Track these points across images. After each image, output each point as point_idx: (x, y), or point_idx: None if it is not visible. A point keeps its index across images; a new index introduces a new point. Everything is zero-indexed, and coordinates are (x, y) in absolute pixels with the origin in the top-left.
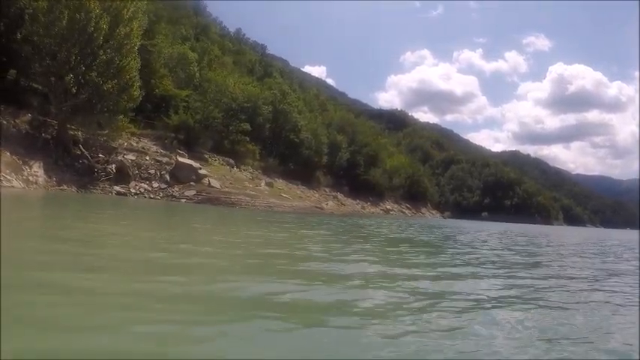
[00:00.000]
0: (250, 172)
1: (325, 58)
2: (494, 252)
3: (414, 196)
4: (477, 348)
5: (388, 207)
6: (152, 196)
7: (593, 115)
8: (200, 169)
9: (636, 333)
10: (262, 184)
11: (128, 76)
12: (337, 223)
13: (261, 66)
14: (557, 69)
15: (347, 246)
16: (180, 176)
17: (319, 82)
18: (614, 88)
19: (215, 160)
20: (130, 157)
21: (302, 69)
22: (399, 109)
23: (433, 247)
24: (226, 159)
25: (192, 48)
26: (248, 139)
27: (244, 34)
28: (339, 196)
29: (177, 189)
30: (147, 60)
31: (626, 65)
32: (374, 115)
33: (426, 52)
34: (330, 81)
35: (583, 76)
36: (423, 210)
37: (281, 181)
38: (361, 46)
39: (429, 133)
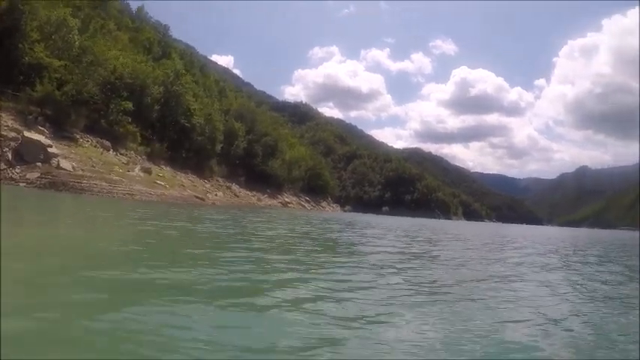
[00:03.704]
0: (128, 157)
1: (234, 48)
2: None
3: (313, 189)
4: None
5: (287, 199)
6: None
7: (492, 118)
8: (50, 147)
9: None
10: (136, 169)
11: None
12: (151, 214)
13: (160, 47)
14: (460, 72)
15: None
16: (26, 155)
17: (226, 72)
18: (514, 94)
19: (87, 142)
20: None
21: (209, 57)
22: (304, 102)
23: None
24: (102, 141)
25: (74, 15)
26: (130, 119)
27: (147, 13)
28: (234, 186)
29: (18, 170)
30: (16, 21)
31: (526, 73)
32: (278, 107)
33: (334, 49)
34: (237, 71)
35: (485, 80)
36: (324, 203)
37: (168, 168)
38: (271, 39)
39: (333, 128)
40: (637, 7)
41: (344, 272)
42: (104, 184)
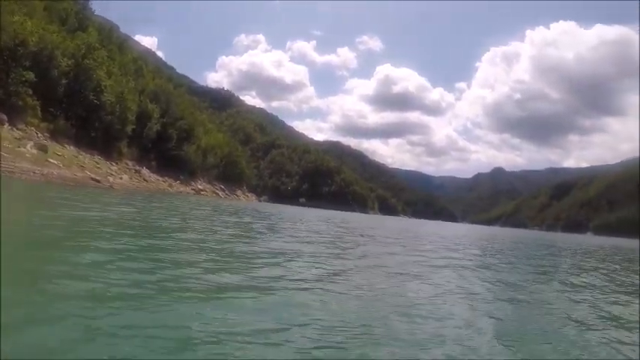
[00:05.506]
0: (24, 132)
1: (158, 29)
2: None
3: (229, 177)
4: None
5: (200, 187)
6: None
7: (413, 116)
8: None
9: None
10: (28, 146)
11: None
12: None
13: (78, 19)
14: (384, 70)
15: None
16: None
17: (148, 52)
18: (436, 94)
19: None
20: None
21: (133, 37)
22: (225, 88)
23: None
24: None
25: None
26: (31, 91)
27: None
28: (144, 171)
29: None
30: None
31: (449, 75)
32: (199, 92)
33: (260, 37)
34: (160, 54)
35: (408, 79)
36: (239, 192)
37: (72, 147)
38: (197, 23)
39: (254, 117)
40: (560, 21)
41: None
42: None
